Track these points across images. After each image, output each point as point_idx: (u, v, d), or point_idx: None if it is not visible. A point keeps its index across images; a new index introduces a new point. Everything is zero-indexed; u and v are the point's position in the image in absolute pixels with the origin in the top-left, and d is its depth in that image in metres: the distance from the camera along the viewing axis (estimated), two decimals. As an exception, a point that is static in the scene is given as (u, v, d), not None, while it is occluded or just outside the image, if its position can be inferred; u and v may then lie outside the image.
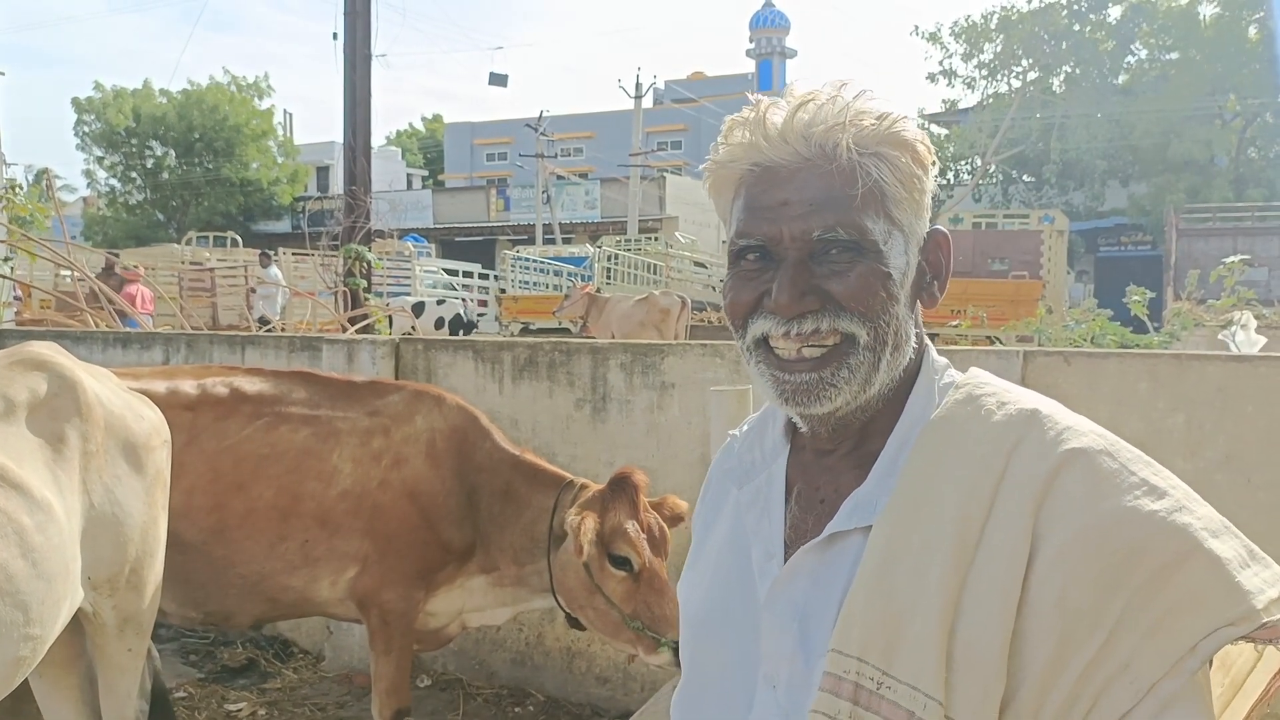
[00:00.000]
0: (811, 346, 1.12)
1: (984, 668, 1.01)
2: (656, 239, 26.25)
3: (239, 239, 25.89)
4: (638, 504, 3.32)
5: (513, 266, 22.35)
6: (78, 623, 2.84)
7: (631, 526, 3.27)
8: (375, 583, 3.56)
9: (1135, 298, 6.92)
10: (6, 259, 10.86)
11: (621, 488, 3.33)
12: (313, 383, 3.75)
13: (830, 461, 1.21)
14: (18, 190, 10.59)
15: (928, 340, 1.23)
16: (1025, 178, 33.04)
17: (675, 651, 3.23)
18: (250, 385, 3.65)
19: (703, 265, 24.77)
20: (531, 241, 32.46)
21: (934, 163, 1.17)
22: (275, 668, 5.15)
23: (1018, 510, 1.04)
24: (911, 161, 1.14)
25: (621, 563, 3.29)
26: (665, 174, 38.76)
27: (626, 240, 26.04)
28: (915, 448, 1.13)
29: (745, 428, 1.36)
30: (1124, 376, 3.66)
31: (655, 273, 22.81)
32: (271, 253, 20.34)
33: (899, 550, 1.07)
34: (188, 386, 3.56)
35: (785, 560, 1.17)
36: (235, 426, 3.53)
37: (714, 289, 24.17)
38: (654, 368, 4.60)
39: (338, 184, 40.98)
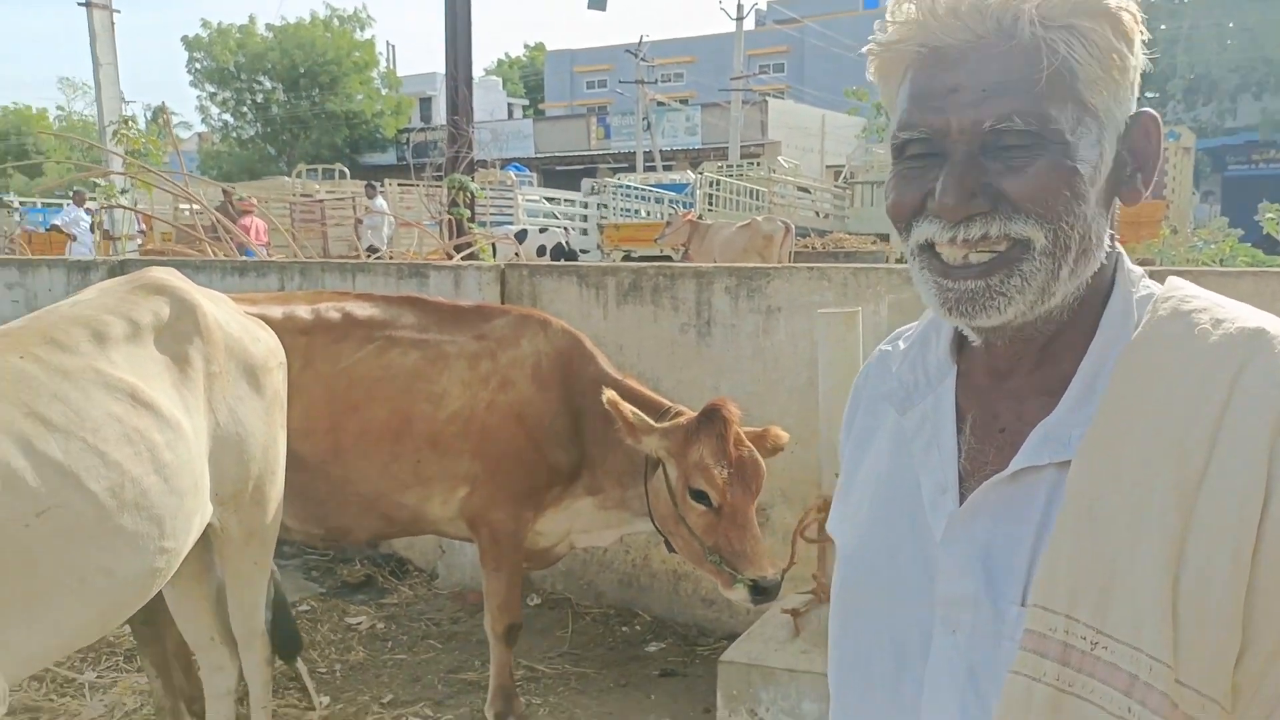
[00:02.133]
0: (979, 251, 1.00)
1: (1217, 625, 0.90)
2: (758, 164, 25.81)
3: (346, 171, 26.36)
4: (726, 437, 3.28)
5: (613, 194, 22.26)
6: (207, 537, 2.96)
7: (713, 462, 3.25)
8: (485, 502, 3.63)
9: (1269, 215, 6.53)
10: (124, 191, 11.26)
11: (710, 420, 3.30)
12: (421, 307, 3.80)
13: (1011, 385, 1.08)
14: (132, 125, 10.92)
15: (1119, 245, 1.08)
16: (1149, 93, 31.38)
17: (752, 589, 3.23)
18: (361, 310, 3.72)
19: (806, 190, 24.29)
20: (632, 169, 32.26)
21: (1142, 34, 1.01)
22: (391, 584, 5.34)
23: (1249, 445, 0.91)
24: (1112, 34, 0.98)
25: (700, 497, 3.29)
26: (767, 98, 37.96)
27: (728, 166, 25.68)
28: (1117, 372, 1.00)
29: (901, 344, 1.22)
30: (1259, 297, 3.45)
31: (758, 199, 22.48)
32: (377, 184, 20.67)
33: (1107, 490, 0.95)
34: (302, 311, 3.64)
35: (962, 495, 1.06)
36: (348, 350, 3.61)
37: (818, 214, 23.72)
38: (760, 291, 4.53)
39: (440, 115, 41.24)
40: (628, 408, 3.30)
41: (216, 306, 2.93)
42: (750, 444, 3.35)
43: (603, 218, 21.91)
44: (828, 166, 30.63)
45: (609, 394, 3.30)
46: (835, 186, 24.92)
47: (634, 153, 35.45)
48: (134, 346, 2.63)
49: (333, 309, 3.69)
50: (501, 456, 3.62)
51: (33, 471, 2.24)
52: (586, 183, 24.72)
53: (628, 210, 22.23)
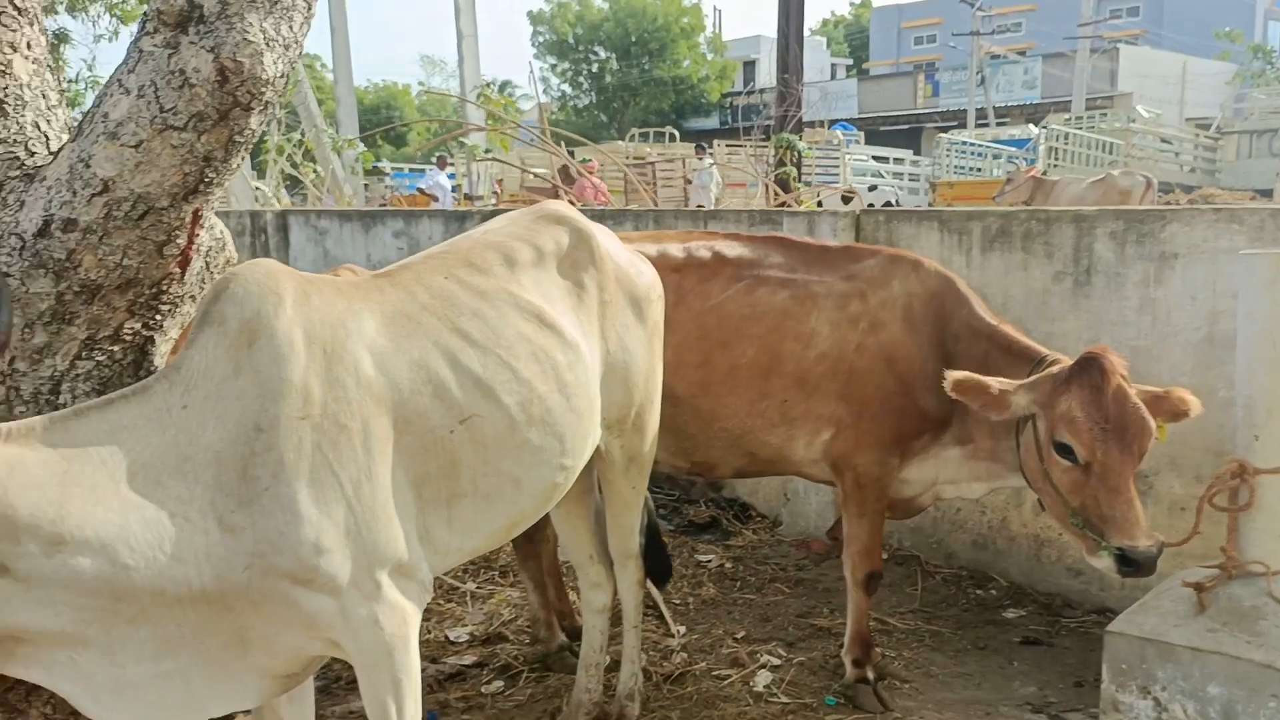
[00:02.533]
0: None
1: None
2: (1107, 116, 23.70)
3: (676, 134, 27.03)
4: (1103, 389, 2.97)
5: (947, 151, 21.30)
6: (590, 461, 3.10)
7: (1082, 415, 2.95)
8: (850, 446, 3.55)
9: None
10: (489, 151, 12.14)
11: (1085, 370, 3.00)
12: (788, 247, 3.76)
13: None
14: (492, 89, 11.72)
15: None
16: None
17: (1119, 558, 2.91)
18: (730, 249, 3.74)
19: (1168, 142, 22.01)
20: (961, 127, 30.71)
21: None
22: (736, 527, 5.41)
23: None
24: None
25: (1065, 451, 3.01)
26: (1119, 45, 34.73)
27: (1074, 119, 23.77)
28: None
29: None
30: None
31: (1110, 152, 20.64)
32: (706, 145, 21.03)
33: None
34: (674, 250, 3.71)
35: None
36: (718, 288, 3.64)
37: (1182, 168, 21.45)
38: (1151, 236, 4.10)
39: (763, 79, 41.52)
40: (986, 382, 3.08)
41: (607, 238, 3.04)
42: (1139, 402, 3.02)
43: (935, 175, 21.05)
44: (1187, 119, 27.61)
45: (953, 378, 3.09)
46: (1206, 137, 22.36)
47: (964, 110, 33.73)
48: (539, 271, 2.77)
49: (703, 248, 3.73)
50: (869, 400, 3.52)
51: (457, 383, 2.42)
52: (942, 138, 23.53)
53: (960, 168, 21.20)
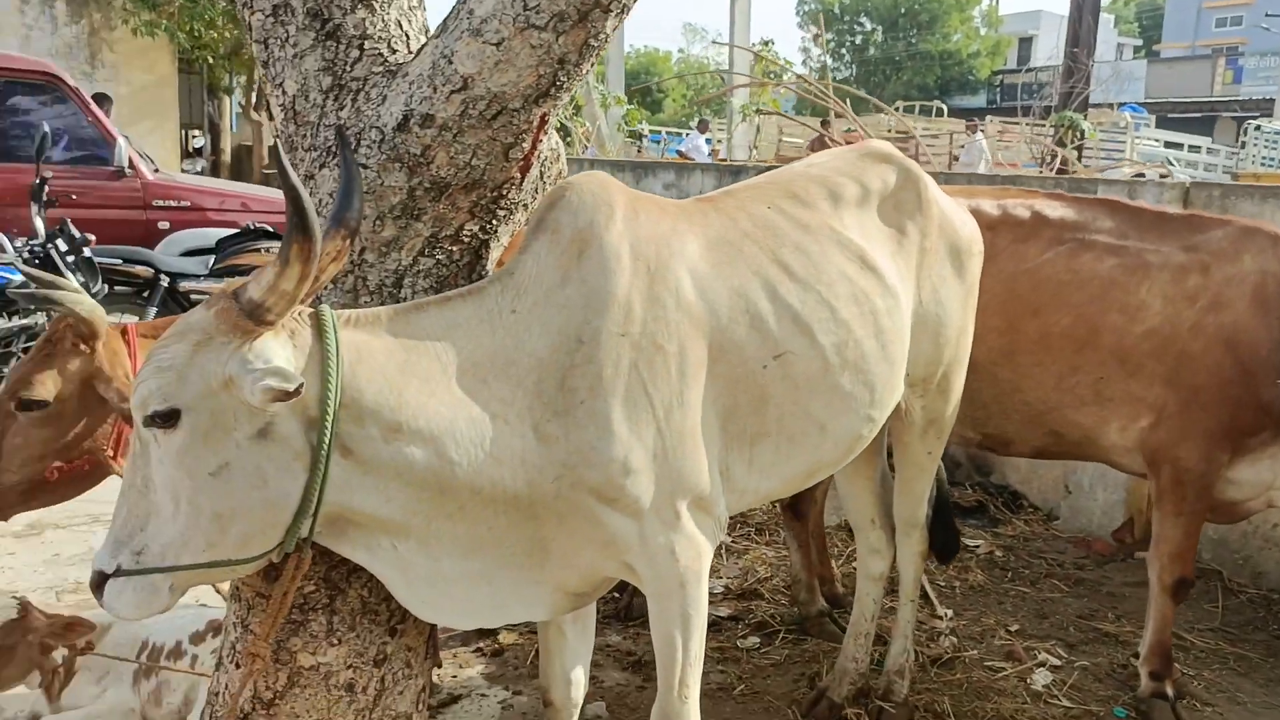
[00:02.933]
0: None
1: None
2: None
3: (944, 108, 25.91)
4: None
5: (1254, 141, 19.29)
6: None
7: None
8: (1172, 437, 3.20)
9: None
10: (758, 110, 12.02)
11: None
12: (1120, 211, 3.41)
13: None
14: (771, 46, 11.53)
15: None
16: None
17: None
18: (1052, 210, 3.44)
19: None
20: (1266, 116, 27.74)
21: None
22: (1005, 515, 5.08)
23: None
24: None
25: None
26: None
27: None
28: None
29: None
30: None
31: None
32: (978, 119, 20.02)
33: None
34: (988, 206, 3.45)
35: None
36: (1035, 250, 3.36)
37: None
38: None
39: (1040, 56, 39.06)
40: None
41: (933, 183, 2.84)
42: None
43: (1238, 166, 19.11)
44: None
45: None
46: None
47: (1271, 99, 30.42)
48: (862, 211, 2.62)
49: (1021, 206, 3.45)
50: (1201, 387, 3.15)
51: (774, 316, 2.31)
52: (1251, 125, 21.14)
53: (1269, 159, 19.13)
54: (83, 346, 2.63)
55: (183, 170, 14.34)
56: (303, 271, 1.73)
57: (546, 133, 2.13)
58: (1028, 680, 3.47)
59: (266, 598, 2.07)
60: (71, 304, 2.55)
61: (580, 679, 2.53)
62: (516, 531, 2.07)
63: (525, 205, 2.24)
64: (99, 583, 1.80)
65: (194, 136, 19.63)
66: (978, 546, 4.66)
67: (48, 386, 2.60)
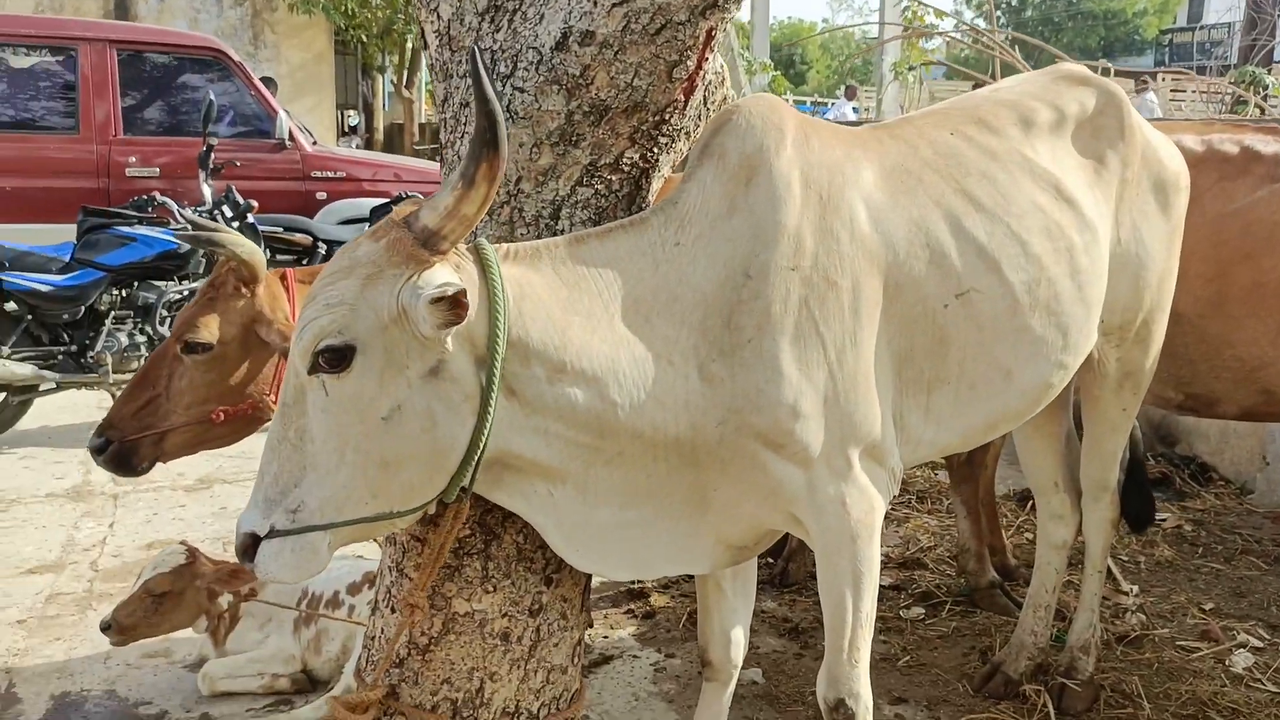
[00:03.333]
0: None
1: None
2: None
3: (1110, 66, 24.49)
4: None
5: None
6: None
7: None
8: None
9: None
10: (912, 68, 11.53)
11: None
12: (1345, 144, 3.04)
13: None
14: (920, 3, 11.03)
15: None
16: None
17: None
18: (1264, 145, 3.09)
19: None
20: None
21: None
22: (1192, 489, 4.70)
23: None
24: None
25: None
26: None
27: None
28: None
29: None
30: None
31: None
32: (1149, 78, 18.82)
33: None
34: (1190, 141, 3.12)
35: None
36: (1245, 188, 3.03)
37: None
38: None
39: (1212, 13, 36.49)
40: None
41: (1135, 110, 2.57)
42: None
43: None
44: None
45: None
46: None
47: None
48: (1056, 138, 2.38)
49: (1228, 141, 3.12)
50: None
51: (958, 251, 2.11)
52: None
53: None
54: (244, 290, 2.64)
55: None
56: (487, 194, 1.63)
57: (712, 51, 1.98)
58: (1226, 662, 3.17)
59: (422, 541, 2.02)
60: (233, 245, 2.56)
61: (740, 639, 2.40)
62: (676, 479, 1.94)
63: (688, 133, 2.10)
64: (250, 545, 1.68)
65: (349, 115, 20.27)
66: (1164, 520, 4.31)
67: (211, 329, 2.62)
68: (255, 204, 5.72)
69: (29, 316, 5.32)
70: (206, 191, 5.59)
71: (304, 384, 1.68)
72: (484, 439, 1.72)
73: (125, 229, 5.42)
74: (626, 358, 1.83)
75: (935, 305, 2.09)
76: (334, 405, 1.66)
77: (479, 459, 1.74)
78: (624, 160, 2.01)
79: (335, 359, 1.64)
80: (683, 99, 2.00)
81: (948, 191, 2.15)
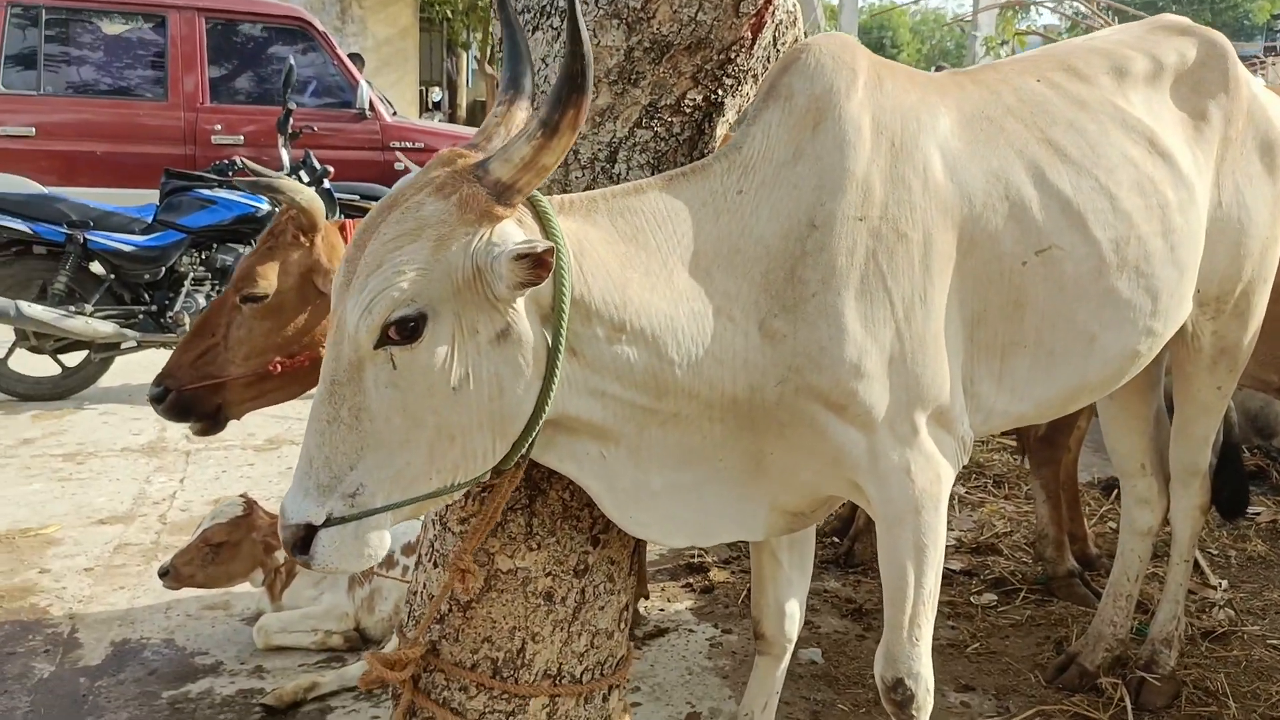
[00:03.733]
0: None
1: None
2: None
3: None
4: None
5: None
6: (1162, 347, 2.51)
7: None
8: None
9: None
10: (1004, 42, 11.17)
11: None
12: None
13: None
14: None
15: None
16: None
17: None
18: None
19: None
20: None
21: None
22: (1288, 483, 4.44)
23: None
24: None
25: None
26: None
27: None
28: None
29: None
30: None
31: None
32: (1260, 57, 17.99)
33: None
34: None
35: None
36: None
37: None
38: None
39: (1330, -3, 34.86)
40: None
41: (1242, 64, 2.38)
42: None
43: None
44: None
45: None
46: None
47: None
48: (1152, 89, 2.22)
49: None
50: None
51: (1040, 204, 1.97)
52: None
53: None
54: (302, 239, 2.61)
55: (422, 123, 14.97)
56: (568, 144, 1.52)
57: (782, -17, 1.87)
58: (1323, 665, 2.96)
59: (467, 494, 1.95)
60: (291, 191, 2.53)
61: (795, 613, 2.30)
62: (732, 442, 1.84)
63: (756, 75, 1.99)
64: (304, 538, 1.53)
65: (433, 91, 20.47)
66: (1258, 514, 4.07)
67: (270, 279, 2.60)
68: (331, 169, 5.76)
69: (112, 276, 5.44)
70: (284, 156, 5.64)
71: (362, 359, 1.53)
72: (549, 403, 1.63)
73: (206, 192, 5.51)
74: (686, 314, 1.73)
75: (1013, 263, 1.96)
76: (402, 379, 1.53)
77: (540, 424, 1.65)
78: (686, 101, 1.91)
79: (407, 330, 1.51)
80: (750, 36, 1.89)
81: (1031, 141, 2.01)
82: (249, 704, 2.74)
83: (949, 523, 3.95)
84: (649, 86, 1.87)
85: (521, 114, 1.68)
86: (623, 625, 2.14)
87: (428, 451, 1.57)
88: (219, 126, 7.49)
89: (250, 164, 2.74)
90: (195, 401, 2.67)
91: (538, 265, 1.50)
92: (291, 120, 5.74)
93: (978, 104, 2.01)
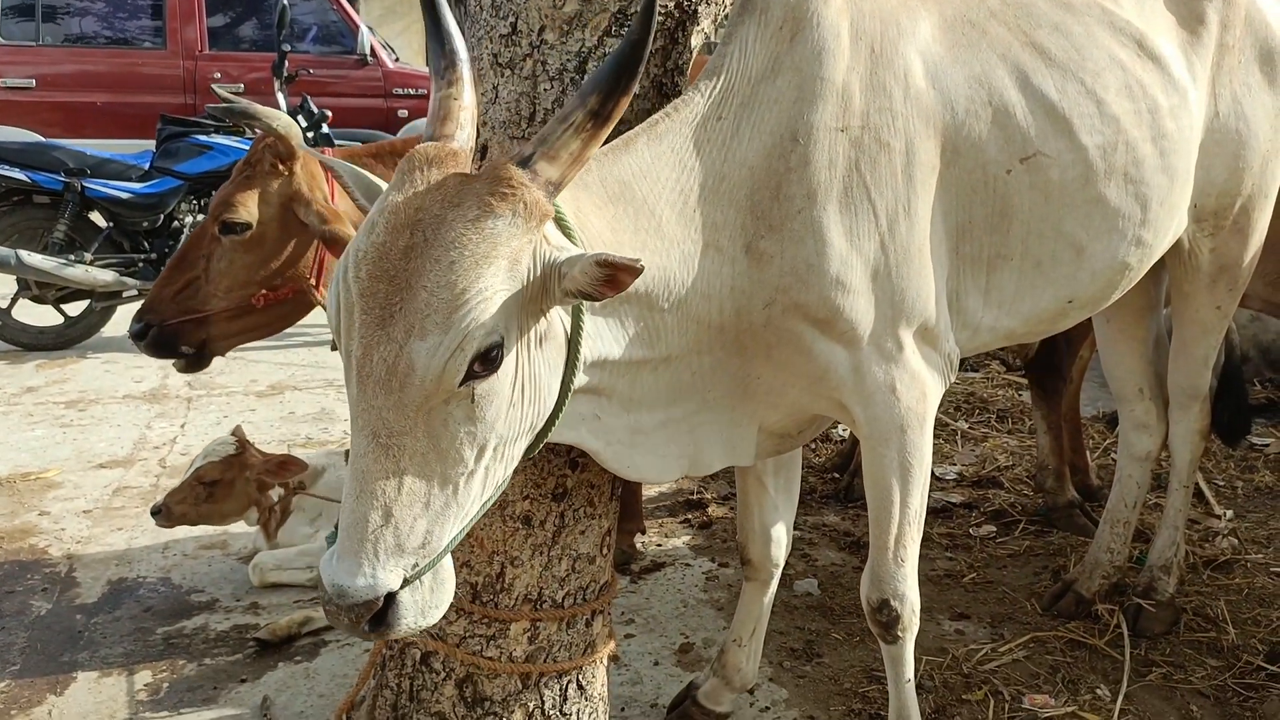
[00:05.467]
0: None
1: None
2: None
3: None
4: None
5: None
6: (1159, 265, 2.45)
7: None
8: None
9: None
10: None
11: None
12: None
13: None
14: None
15: None
16: None
17: None
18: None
19: None
20: None
21: None
22: (1302, 416, 4.37)
23: None
24: None
25: None
26: None
27: None
28: None
29: None
30: None
31: None
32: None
33: None
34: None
35: None
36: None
37: None
38: None
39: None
40: None
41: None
42: None
43: None
44: None
45: None
46: None
47: None
48: (1145, -9, 2.13)
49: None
50: None
51: (1024, 109, 1.90)
52: None
53: None
54: (281, 168, 2.57)
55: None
56: (607, 131, 1.44)
57: (754, -118, 1.79)
58: (1327, 591, 2.92)
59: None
60: (266, 118, 2.48)
61: (782, 538, 2.27)
62: (721, 371, 1.80)
63: (730, -16, 1.92)
64: (383, 609, 1.37)
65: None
66: (1266, 445, 4.01)
67: (249, 208, 2.57)
68: (329, 114, 5.68)
69: (111, 224, 5.42)
70: (281, 100, 5.56)
71: (438, 402, 1.37)
72: (571, 391, 1.55)
73: (203, 137, 5.46)
74: (676, 260, 1.67)
75: (998, 171, 1.90)
76: (479, 409, 1.39)
77: (561, 413, 1.57)
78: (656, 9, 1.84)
79: (490, 360, 1.38)
80: (721, -61, 1.82)
81: (1015, 45, 1.94)
82: (243, 639, 2.75)
83: (950, 457, 3.94)
84: (617, -8, 1.81)
85: (469, 91, 1.55)
86: (605, 550, 2.12)
87: (484, 473, 1.46)
88: (218, 75, 7.43)
89: (222, 91, 2.68)
90: (178, 336, 2.65)
91: (613, 278, 1.38)
92: (287, 64, 5.67)
93: (959, 7, 1.94)
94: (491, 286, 1.36)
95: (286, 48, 5.56)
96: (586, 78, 1.67)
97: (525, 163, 1.42)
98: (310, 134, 5.48)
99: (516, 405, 1.45)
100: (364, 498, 1.36)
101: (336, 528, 1.46)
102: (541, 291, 1.42)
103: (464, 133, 1.51)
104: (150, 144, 5.82)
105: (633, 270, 1.37)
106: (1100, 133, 1.95)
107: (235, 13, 7.72)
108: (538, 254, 1.41)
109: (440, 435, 1.38)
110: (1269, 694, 2.45)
